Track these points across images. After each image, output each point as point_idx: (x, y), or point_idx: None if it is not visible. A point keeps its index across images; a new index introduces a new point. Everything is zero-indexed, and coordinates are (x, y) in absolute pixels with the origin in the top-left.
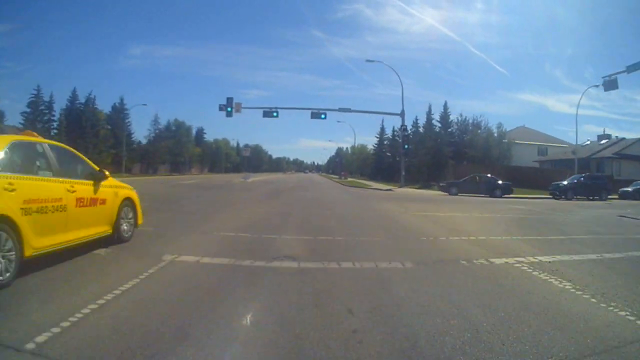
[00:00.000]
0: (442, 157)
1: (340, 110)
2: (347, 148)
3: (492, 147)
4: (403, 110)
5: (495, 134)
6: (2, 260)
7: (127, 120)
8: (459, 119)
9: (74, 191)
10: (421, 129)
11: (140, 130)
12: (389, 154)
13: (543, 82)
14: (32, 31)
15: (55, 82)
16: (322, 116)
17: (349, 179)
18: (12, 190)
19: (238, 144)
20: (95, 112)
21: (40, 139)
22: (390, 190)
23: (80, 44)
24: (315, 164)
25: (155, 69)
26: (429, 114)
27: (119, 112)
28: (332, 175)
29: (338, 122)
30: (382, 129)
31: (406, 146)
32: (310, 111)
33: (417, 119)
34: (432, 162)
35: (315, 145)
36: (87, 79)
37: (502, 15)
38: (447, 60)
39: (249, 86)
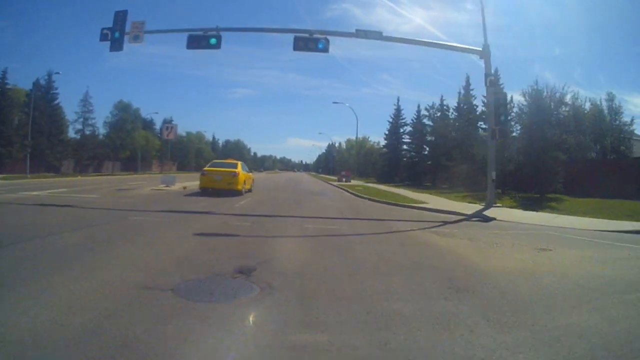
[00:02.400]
0: (549, 147)
1: (365, 36)
2: (340, 143)
3: (604, 134)
4: (486, 45)
5: (606, 112)
6: None
7: (54, 103)
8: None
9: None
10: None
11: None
12: (405, 147)
13: (532, 83)
14: (22, 28)
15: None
16: (320, 45)
17: (355, 184)
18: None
19: (214, 138)
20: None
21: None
22: (492, 221)
23: (72, 42)
24: (304, 162)
25: (143, 67)
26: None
27: (45, 93)
28: (326, 176)
29: (320, 133)
30: (398, 110)
31: (504, 117)
32: (294, 35)
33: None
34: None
35: (303, 144)
36: (77, 76)
37: (492, 16)
38: (436, 61)
39: (235, 85)
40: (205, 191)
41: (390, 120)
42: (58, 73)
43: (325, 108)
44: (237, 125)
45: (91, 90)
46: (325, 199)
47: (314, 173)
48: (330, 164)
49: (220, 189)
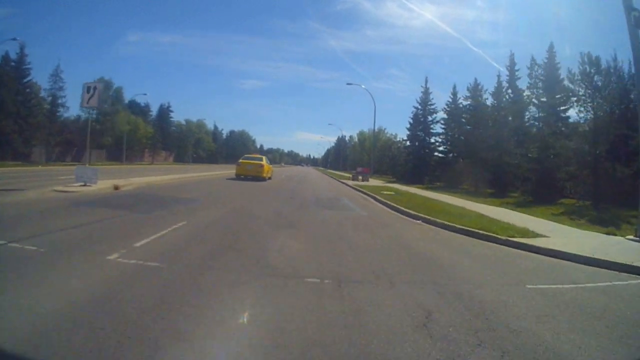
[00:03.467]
0: None
1: None
2: (351, 136)
3: None
4: None
5: None
6: None
7: (26, 80)
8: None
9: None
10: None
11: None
12: (437, 139)
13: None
14: (28, 15)
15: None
16: None
17: (377, 184)
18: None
19: (216, 127)
20: None
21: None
22: None
23: (79, 31)
24: (312, 156)
25: (153, 56)
26: None
27: (16, 68)
28: (335, 172)
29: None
30: (425, 94)
31: None
32: None
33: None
34: None
35: (312, 138)
36: (85, 65)
37: (503, 12)
38: (445, 56)
39: (246, 76)
40: (239, 177)
41: (416, 106)
42: (14, 39)
43: (334, 102)
44: (246, 117)
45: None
46: (342, 219)
47: (321, 168)
48: (340, 158)
49: (251, 176)
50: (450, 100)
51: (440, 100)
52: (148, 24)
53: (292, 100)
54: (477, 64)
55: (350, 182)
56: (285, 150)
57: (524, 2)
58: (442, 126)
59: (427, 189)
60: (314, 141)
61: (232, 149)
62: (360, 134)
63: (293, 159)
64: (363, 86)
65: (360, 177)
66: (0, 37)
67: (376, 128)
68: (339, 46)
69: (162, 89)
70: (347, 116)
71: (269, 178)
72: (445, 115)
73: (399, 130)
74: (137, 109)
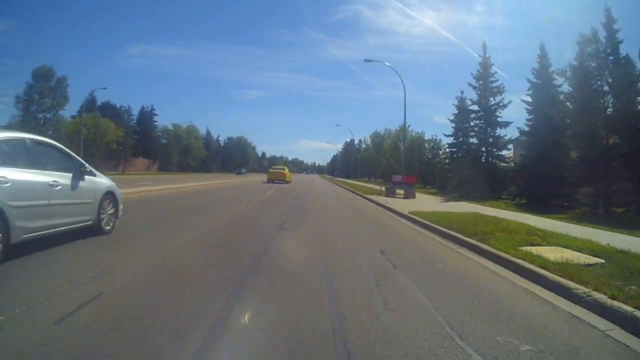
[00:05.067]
0: None
1: None
2: (360, 140)
3: None
4: None
5: None
6: None
7: None
8: None
9: None
10: None
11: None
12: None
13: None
14: (30, 29)
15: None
16: None
17: (445, 208)
18: None
19: (209, 133)
20: None
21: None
22: None
23: (79, 43)
24: (316, 164)
25: (154, 68)
26: None
27: None
28: (345, 180)
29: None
30: (485, 67)
31: None
32: None
33: None
34: None
35: (316, 146)
36: (85, 77)
37: (502, 18)
38: (446, 62)
39: (248, 86)
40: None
41: (476, 84)
42: None
43: (339, 109)
44: (250, 126)
45: (98, 91)
46: None
47: (328, 176)
48: (349, 165)
49: (278, 180)
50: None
51: (437, 104)
52: (148, 37)
53: (296, 108)
54: (478, 69)
55: (394, 203)
56: (289, 158)
57: (521, 7)
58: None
59: (552, 216)
60: (318, 149)
61: (228, 156)
62: (375, 135)
63: (297, 166)
64: (387, 63)
65: (402, 192)
66: (3, 51)
67: (398, 126)
68: (341, 55)
69: (163, 101)
70: (352, 124)
71: (289, 181)
72: (527, 99)
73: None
74: (111, 112)
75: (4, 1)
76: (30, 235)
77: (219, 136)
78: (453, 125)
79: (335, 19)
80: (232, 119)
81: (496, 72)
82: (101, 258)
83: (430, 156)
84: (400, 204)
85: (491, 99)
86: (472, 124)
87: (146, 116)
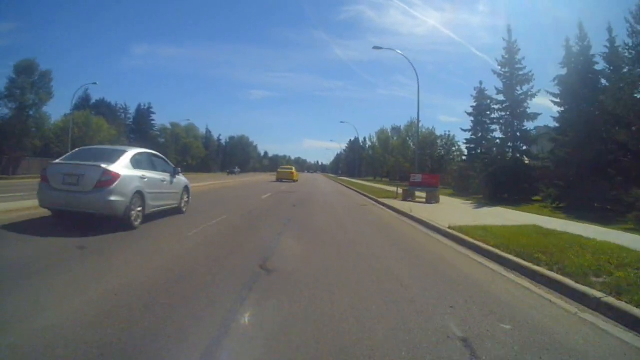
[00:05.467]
0: None
1: None
2: (365, 139)
3: None
4: None
5: None
6: None
7: None
8: None
9: None
10: None
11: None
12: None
13: (546, 84)
14: (36, 30)
15: (59, 81)
16: None
17: (470, 214)
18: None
19: (209, 131)
20: None
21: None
22: None
23: (84, 44)
24: (320, 163)
25: (159, 69)
26: None
27: None
28: (351, 180)
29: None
30: (511, 47)
31: None
32: None
33: None
34: None
35: (320, 145)
36: (91, 78)
37: (505, 17)
38: (450, 62)
39: (252, 86)
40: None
41: (500, 71)
42: None
43: (342, 109)
44: (254, 126)
45: (105, 93)
46: None
47: (332, 175)
48: (354, 163)
49: (286, 179)
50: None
51: (447, 106)
52: (153, 37)
53: (300, 108)
54: (482, 69)
55: (419, 211)
56: (293, 158)
57: (523, 6)
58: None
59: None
60: (322, 148)
61: (230, 156)
62: (381, 132)
63: (301, 165)
64: (398, 51)
65: (418, 192)
66: (8, 51)
67: (407, 121)
68: (344, 55)
69: (168, 101)
70: (356, 124)
71: (296, 180)
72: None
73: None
74: (106, 110)
75: (5, 2)
76: (152, 210)
77: (220, 135)
78: (472, 119)
79: (338, 19)
80: (236, 119)
81: (524, 58)
82: (191, 222)
83: (442, 153)
84: (426, 211)
85: (518, 87)
86: (496, 115)
87: (143, 114)
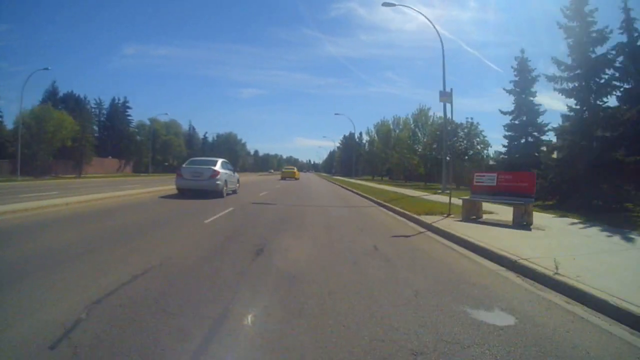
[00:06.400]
0: None
1: None
2: (361, 134)
3: None
4: None
5: None
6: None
7: None
8: None
9: None
10: None
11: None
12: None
13: (538, 80)
14: (26, 31)
15: (49, 81)
16: None
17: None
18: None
19: (193, 128)
20: None
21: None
22: None
23: (75, 44)
24: (312, 162)
25: (150, 68)
26: None
27: None
28: (349, 180)
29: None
30: None
31: None
32: None
33: None
34: None
35: (312, 144)
36: (82, 78)
37: (496, 13)
38: (440, 58)
39: (243, 85)
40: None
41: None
42: None
43: (334, 107)
44: (245, 125)
45: (96, 92)
46: None
47: (325, 174)
48: (349, 162)
49: (289, 178)
50: None
51: (429, 100)
52: (144, 37)
53: (291, 106)
54: (472, 64)
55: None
56: (284, 156)
57: (513, 1)
58: None
59: None
60: (314, 146)
61: (217, 154)
62: (382, 125)
63: (292, 164)
64: (411, 7)
65: (494, 207)
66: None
67: (416, 109)
68: (336, 52)
69: (159, 101)
70: (348, 121)
71: (298, 178)
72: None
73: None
74: (73, 103)
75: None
76: (228, 192)
77: (206, 133)
78: (513, 98)
79: (328, 16)
80: (226, 118)
81: (597, 10)
82: (245, 195)
83: (466, 144)
84: (575, 260)
85: (590, 49)
86: (563, 86)
87: (117, 109)
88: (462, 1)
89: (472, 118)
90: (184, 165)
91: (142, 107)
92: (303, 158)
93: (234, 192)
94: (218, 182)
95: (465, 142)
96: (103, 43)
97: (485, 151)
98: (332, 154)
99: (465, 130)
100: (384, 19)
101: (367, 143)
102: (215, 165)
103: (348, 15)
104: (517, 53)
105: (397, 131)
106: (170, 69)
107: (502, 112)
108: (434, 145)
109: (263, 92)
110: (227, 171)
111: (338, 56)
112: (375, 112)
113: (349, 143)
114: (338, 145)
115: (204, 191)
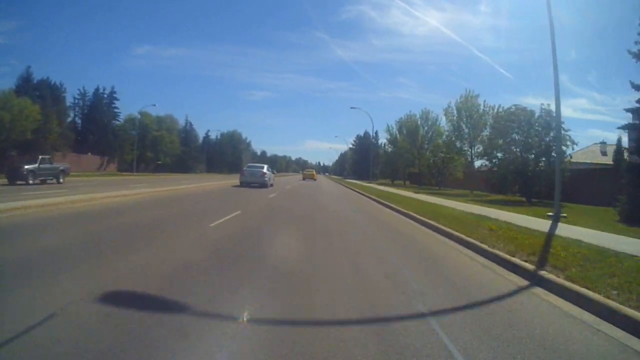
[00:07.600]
0: None
1: None
2: (376, 133)
3: None
4: None
5: None
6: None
7: None
8: None
9: None
10: None
11: None
12: None
13: (547, 86)
14: (37, 30)
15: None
16: None
17: None
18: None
19: (189, 124)
20: None
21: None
22: None
23: (86, 44)
24: (322, 164)
25: (160, 69)
26: None
27: None
28: (368, 185)
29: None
30: None
31: None
32: None
33: None
34: None
35: (322, 146)
36: (92, 78)
37: (508, 19)
38: (452, 63)
39: (253, 87)
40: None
41: None
42: None
43: (344, 111)
44: (255, 127)
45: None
46: None
47: (335, 177)
48: (364, 163)
49: (309, 179)
50: None
51: (441, 104)
52: (154, 37)
53: (302, 109)
54: (484, 71)
55: None
56: (293, 158)
57: (525, 8)
58: None
59: None
60: (324, 149)
61: (219, 154)
62: (407, 119)
63: (301, 166)
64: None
65: None
66: (8, 51)
67: (464, 95)
68: (346, 56)
69: (169, 102)
70: (359, 125)
71: (316, 180)
72: None
73: None
74: (47, 91)
75: (8, 2)
76: (269, 184)
77: (208, 131)
78: None
79: (339, 19)
80: (237, 120)
81: None
82: (278, 187)
83: (548, 142)
84: None
85: None
86: None
87: (101, 100)
88: (473, 6)
89: (548, 104)
90: (244, 168)
91: (153, 109)
92: (313, 160)
93: (271, 185)
94: (266, 179)
95: (547, 137)
96: (113, 43)
97: (571, 150)
98: (343, 156)
99: (541, 121)
100: (396, 22)
101: (386, 142)
102: (263, 169)
103: (359, 18)
104: (529, 60)
105: (426, 127)
106: (179, 69)
107: (625, 110)
108: (499, 141)
109: (273, 95)
110: (269, 172)
111: (349, 60)
112: (387, 116)
113: (364, 143)
114: (351, 145)
115: (257, 184)
